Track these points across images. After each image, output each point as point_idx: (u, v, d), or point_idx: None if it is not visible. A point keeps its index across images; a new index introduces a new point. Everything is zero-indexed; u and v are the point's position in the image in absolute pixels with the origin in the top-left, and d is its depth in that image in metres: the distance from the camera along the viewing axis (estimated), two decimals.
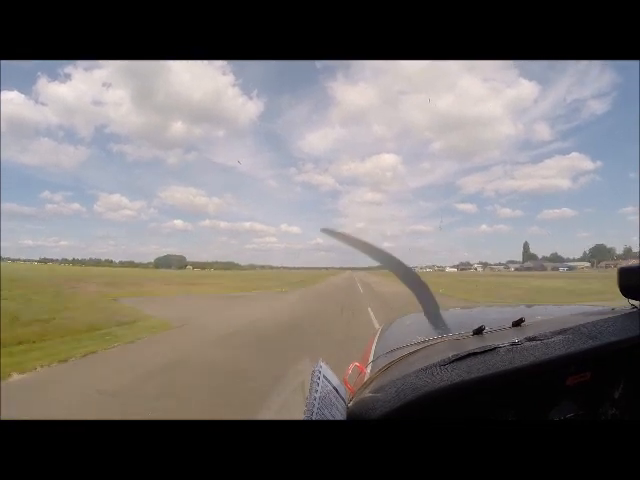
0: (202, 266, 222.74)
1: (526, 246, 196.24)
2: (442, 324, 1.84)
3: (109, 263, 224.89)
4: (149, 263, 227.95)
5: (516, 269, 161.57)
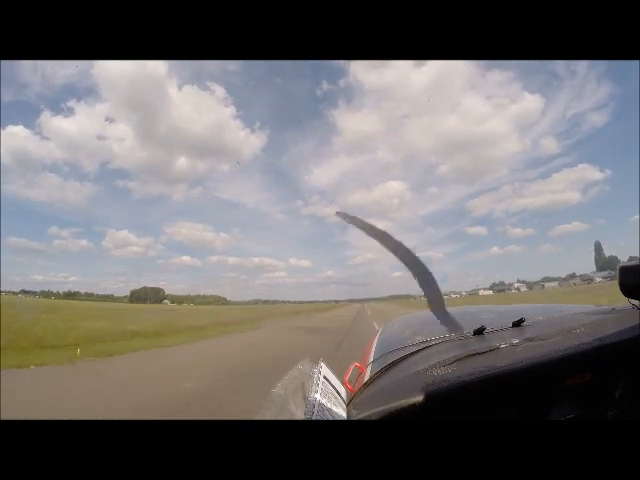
0: (180, 300, 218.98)
1: (598, 247, 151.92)
2: (442, 324, 1.82)
3: (88, 296, 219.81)
4: (124, 296, 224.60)
5: (604, 278, 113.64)
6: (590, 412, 0.97)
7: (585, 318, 1.17)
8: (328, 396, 0.89)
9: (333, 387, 0.93)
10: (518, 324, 1.39)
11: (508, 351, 0.98)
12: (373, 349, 1.93)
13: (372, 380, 1.13)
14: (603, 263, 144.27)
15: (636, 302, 1.14)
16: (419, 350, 1.31)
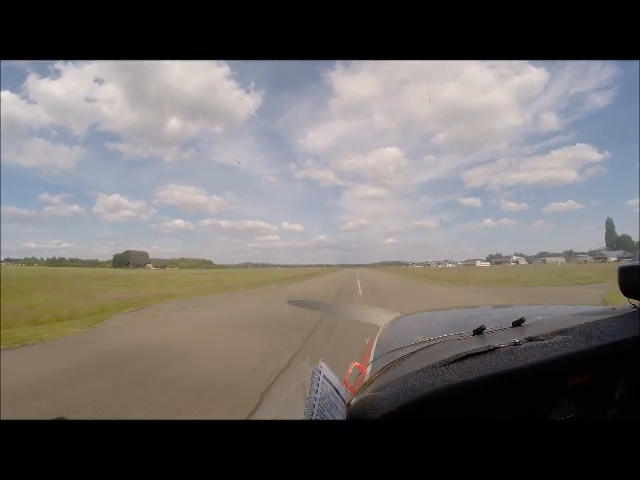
0: (164, 264, 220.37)
1: (610, 224, 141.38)
2: (442, 324, 1.83)
3: (72, 262, 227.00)
4: (108, 261, 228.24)
5: (621, 258, 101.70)
6: (590, 412, 0.98)
7: (585, 318, 1.17)
8: (328, 396, 0.89)
9: (333, 387, 0.93)
10: (518, 324, 1.39)
11: (508, 351, 0.98)
12: (373, 349, 1.94)
13: (372, 380, 1.13)
14: (615, 241, 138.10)
15: (636, 302, 1.15)
16: (419, 350, 1.31)
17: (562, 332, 1.04)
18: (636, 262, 1.12)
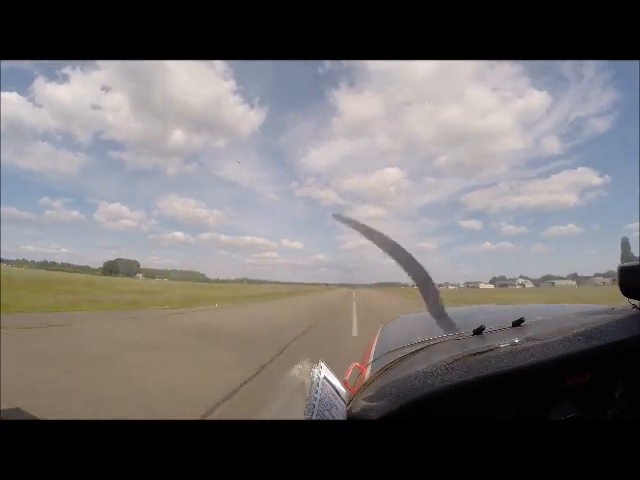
0: (153, 274, 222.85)
1: (625, 244, 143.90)
2: (442, 324, 1.82)
3: (63, 267, 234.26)
4: (99, 268, 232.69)
5: None
6: (590, 412, 0.98)
7: (585, 318, 1.17)
8: (328, 396, 0.89)
9: (333, 387, 0.93)
10: (518, 324, 1.39)
11: (507, 351, 0.98)
12: (373, 349, 1.94)
13: (372, 380, 1.13)
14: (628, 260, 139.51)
15: (636, 302, 1.15)
16: (419, 350, 1.32)
17: (562, 332, 1.04)
18: (636, 262, 1.12)
